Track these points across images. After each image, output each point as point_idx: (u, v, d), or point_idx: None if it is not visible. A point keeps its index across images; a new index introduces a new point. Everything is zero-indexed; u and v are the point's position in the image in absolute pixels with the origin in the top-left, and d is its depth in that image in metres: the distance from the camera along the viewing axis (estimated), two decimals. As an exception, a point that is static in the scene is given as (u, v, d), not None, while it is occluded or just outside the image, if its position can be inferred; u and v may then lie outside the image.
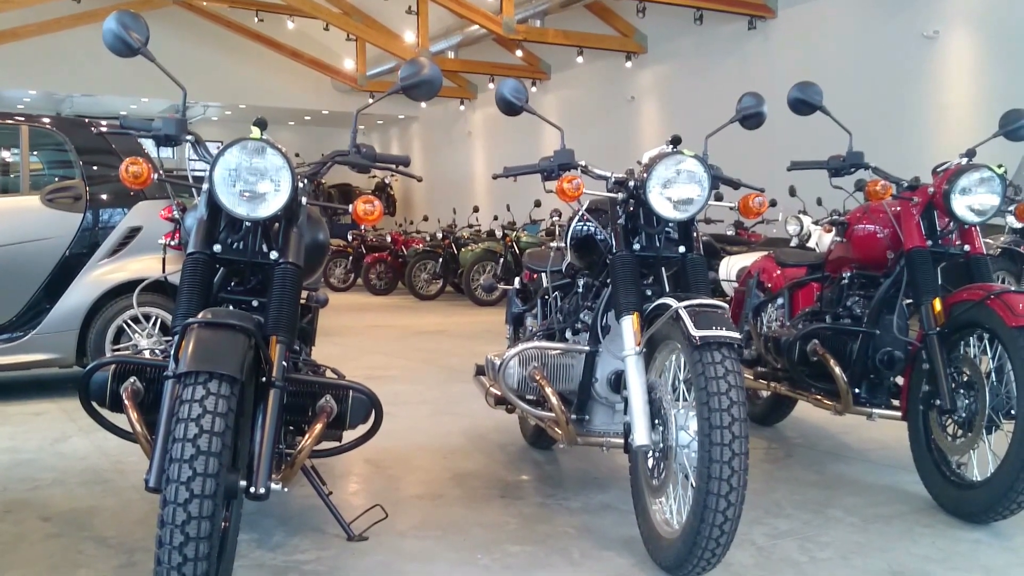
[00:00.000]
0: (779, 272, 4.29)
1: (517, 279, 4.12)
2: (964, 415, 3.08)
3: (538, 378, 3.04)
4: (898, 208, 3.45)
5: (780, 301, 4.19)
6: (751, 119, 3.08)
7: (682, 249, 2.90)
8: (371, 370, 6.22)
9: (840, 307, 3.75)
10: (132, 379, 2.48)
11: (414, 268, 13.17)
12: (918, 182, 3.49)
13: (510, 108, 2.95)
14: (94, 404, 2.57)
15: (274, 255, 2.51)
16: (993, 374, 3.04)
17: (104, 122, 5.57)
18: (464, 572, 2.65)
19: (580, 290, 3.33)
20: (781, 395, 4.09)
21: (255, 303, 2.58)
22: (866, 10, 10.77)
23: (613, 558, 2.75)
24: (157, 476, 2.07)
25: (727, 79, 12.22)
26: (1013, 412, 2.90)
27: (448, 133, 20.67)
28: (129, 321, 5.19)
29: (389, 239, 14.62)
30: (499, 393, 3.31)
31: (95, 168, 5.27)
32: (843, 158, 3.53)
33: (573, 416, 3.09)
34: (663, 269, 2.97)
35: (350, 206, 2.68)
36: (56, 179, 5.45)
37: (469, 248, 12.50)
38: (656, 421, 2.64)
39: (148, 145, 5.40)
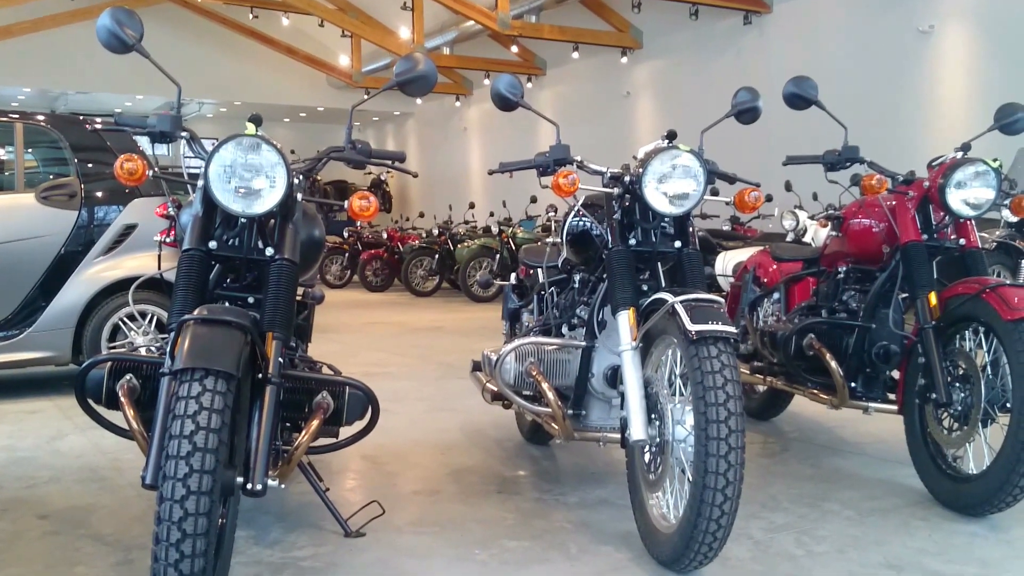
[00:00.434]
0: (775, 267, 4.29)
1: (513, 275, 4.12)
2: (960, 408, 3.09)
3: (534, 373, 3.04)
4: (894, 202, 3.46)
5: (776, 296, 4.19)
6: (746, 114, 3.07)
7: (678, 244, 2.90)
8: (368, 366, 6.22)
9: (836, 301, 3.76)
10: (128, 376, 2.48)
11: (410, 265, 13.16)
12: (913, 176, 3.48)
13: (506, 104, 2.95)
14: (90, 402, 2.57)
15: (270, 251, 2.50)
16: (988, 367, 3.05)
17: (99, 119, 5.55)
18: (461, 567, 2.65)
19: (576, 285, 3.34)
20: (777, 389, 4.09)
21: (251, 299, 2.58)
22: (861, 4, 10.77)
23: (610, 553, 2.76)
24: (154, 473, 2.07)
25: (722, 74, 12.23)
26: (1008, 405, 2.91)
27: (444, 129, 20.64)
28: (125, 318, 5.19)
29: (385, 235, 14.61)
30: (496, 389, 3.31)
31: (90, 165, 5.25)
32: (839, 152, 3.52)
33: (570, 411, 3.09)
34: (659, 264, 2.96)
35: (346, 202, 2.68)
36: (51, 177, 5.43)
37: (465, 244, 12.48)
38: (652, 416, 2.65)
39: (143, 142, 5.40)
